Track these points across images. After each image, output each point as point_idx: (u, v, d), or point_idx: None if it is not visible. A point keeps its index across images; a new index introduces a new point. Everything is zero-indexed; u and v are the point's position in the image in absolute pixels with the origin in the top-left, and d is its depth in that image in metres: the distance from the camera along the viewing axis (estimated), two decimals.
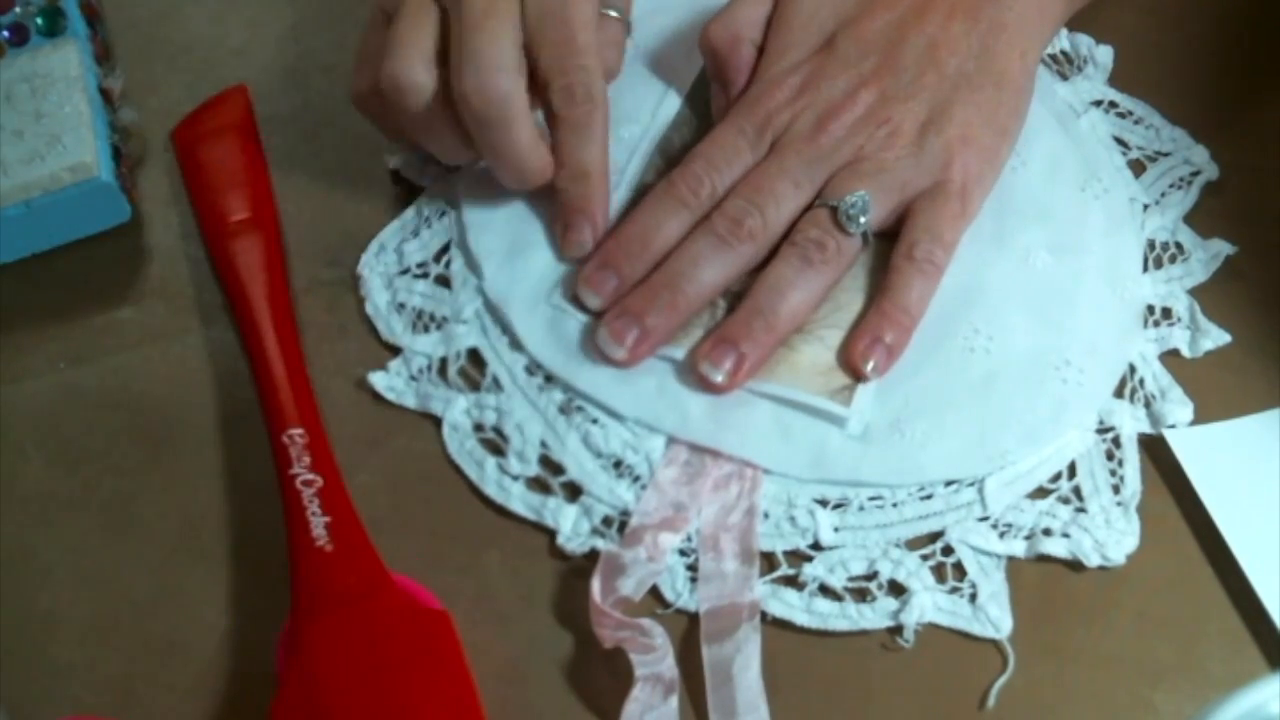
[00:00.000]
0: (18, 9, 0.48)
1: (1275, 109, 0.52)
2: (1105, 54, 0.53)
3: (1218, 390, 0.44)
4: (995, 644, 0.39)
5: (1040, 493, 0.42)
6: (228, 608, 0.40)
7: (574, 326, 0.44)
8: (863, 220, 0.43)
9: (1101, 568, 0.40)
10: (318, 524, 0.39)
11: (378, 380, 0.43)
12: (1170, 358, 0.45)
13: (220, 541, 0.41)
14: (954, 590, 0.40)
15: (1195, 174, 0.49)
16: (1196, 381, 0.44)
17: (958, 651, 0.39)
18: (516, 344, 0.44)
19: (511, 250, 0.45)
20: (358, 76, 0.45)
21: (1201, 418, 0.43)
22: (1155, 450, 0.43)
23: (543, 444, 0.42)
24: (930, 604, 0.39)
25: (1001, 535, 0.41)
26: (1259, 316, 0.46)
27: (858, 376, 0.42)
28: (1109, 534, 0.41)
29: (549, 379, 0.43)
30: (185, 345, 0.45)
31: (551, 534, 0.41)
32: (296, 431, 0.41)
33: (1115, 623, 0.40)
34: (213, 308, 0.46)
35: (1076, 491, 0.42)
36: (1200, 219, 0.48)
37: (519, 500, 0.41)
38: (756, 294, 0.43)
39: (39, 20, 0.48)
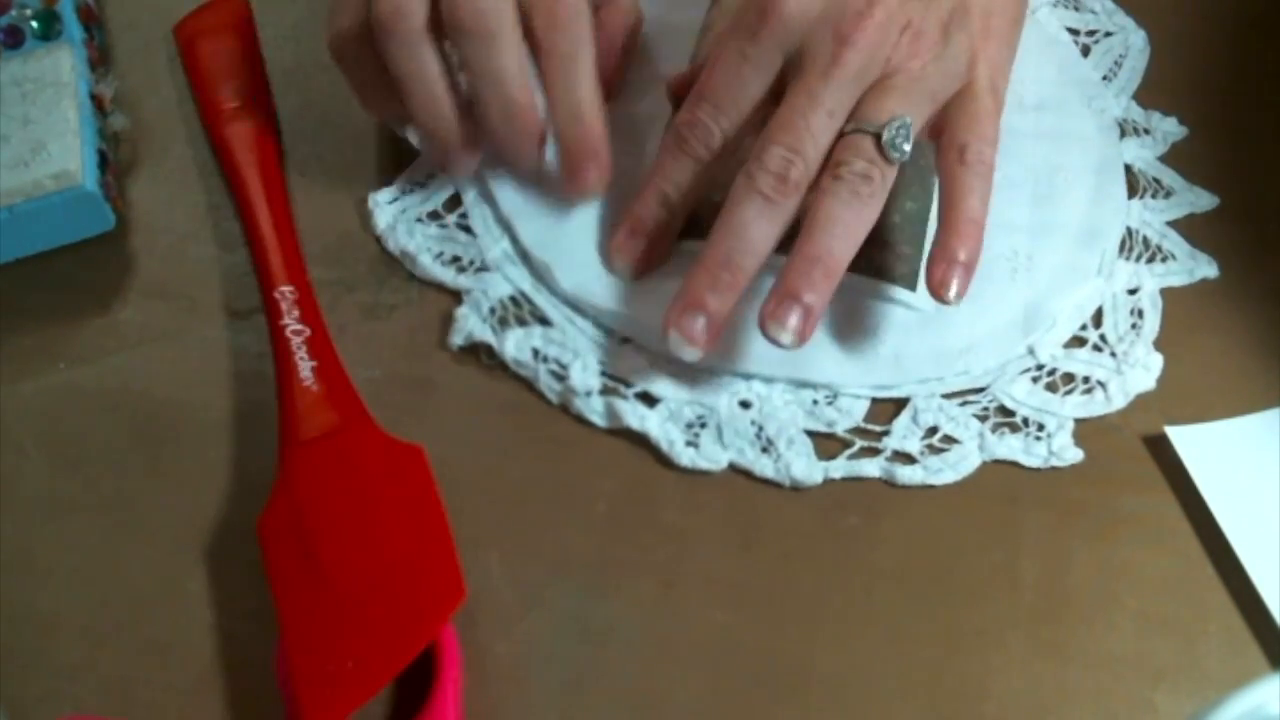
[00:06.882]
0: (13, 11, 0.48)
1: None
2: None
3: (1218, 390, 0.44)
4: None
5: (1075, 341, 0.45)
6: (228, 608, 0.40)
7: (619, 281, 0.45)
8: (906, 148, 0.40)
9: (1101, 566, 0.41)
10: (305, 367, 0.42)
11: (459, 334, 0.45)
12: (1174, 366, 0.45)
13: (220, 541, 0.41)
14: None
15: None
16: (1198, 379, 0.45)
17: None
18: (572, 304, 0.45)
19: (542, 207, 0.46)
20: (338, 17, 0.44)
21: (1203, 417, 0.43)
22: (1157, 448, 0.43)
23: (600, 363, 0.44)
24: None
25: (1035, 380, 0.44)
26: (1260, 315, 0.46)
27: (941, 301, 0.42)
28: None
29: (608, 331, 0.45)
30: (185, 345, 0.45)
31: (549, 535, 0.41)
32: (287, 288, 0.45)
33: (1115, 623, 0.40)
34: (213, 308, 0.46)
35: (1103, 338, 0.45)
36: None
37: (600, 414, 0.43)
38: (810, 238, 0.40)
39: (34, 24, 0.47)
